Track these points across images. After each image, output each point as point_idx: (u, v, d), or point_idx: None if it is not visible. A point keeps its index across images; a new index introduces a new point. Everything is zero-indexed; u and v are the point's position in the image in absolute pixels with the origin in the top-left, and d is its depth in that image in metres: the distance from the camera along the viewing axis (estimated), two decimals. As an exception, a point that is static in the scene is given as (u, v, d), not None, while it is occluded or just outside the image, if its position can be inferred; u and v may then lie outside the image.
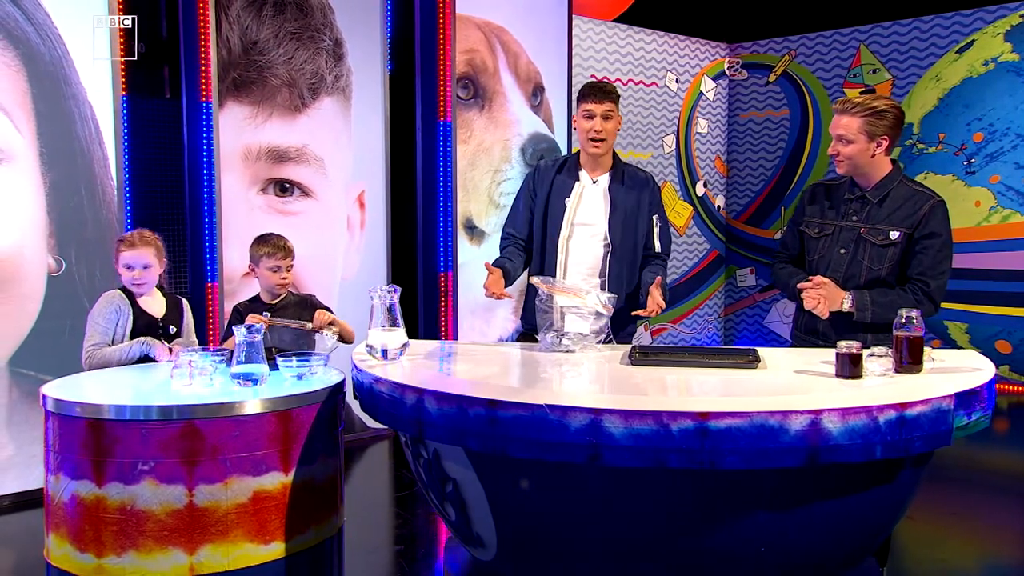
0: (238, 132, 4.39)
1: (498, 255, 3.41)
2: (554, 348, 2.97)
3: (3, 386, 3.79)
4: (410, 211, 5.22)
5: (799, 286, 2.97)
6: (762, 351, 2.83)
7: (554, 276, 3.24)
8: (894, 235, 2.91)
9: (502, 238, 3.46)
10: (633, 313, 3.21)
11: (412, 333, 3.77)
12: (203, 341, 4.10)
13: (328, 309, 3.59)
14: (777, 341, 6.90)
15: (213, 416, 2.78)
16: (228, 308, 4.05)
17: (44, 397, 2.89)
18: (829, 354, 2.54)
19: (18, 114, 3.76)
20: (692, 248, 7.13)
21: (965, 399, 2.36)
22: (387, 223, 4.99)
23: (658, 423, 2.17)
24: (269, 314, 3.43)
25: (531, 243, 3.38)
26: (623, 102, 6.45)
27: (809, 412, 2.17)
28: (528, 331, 3.35)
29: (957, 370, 2.56)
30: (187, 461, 2.75)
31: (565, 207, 3.29)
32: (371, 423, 4.59)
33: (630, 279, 3.31)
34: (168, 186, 4.46)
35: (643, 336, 6.64)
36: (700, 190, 7.16)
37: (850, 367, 2.44)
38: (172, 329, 3.44)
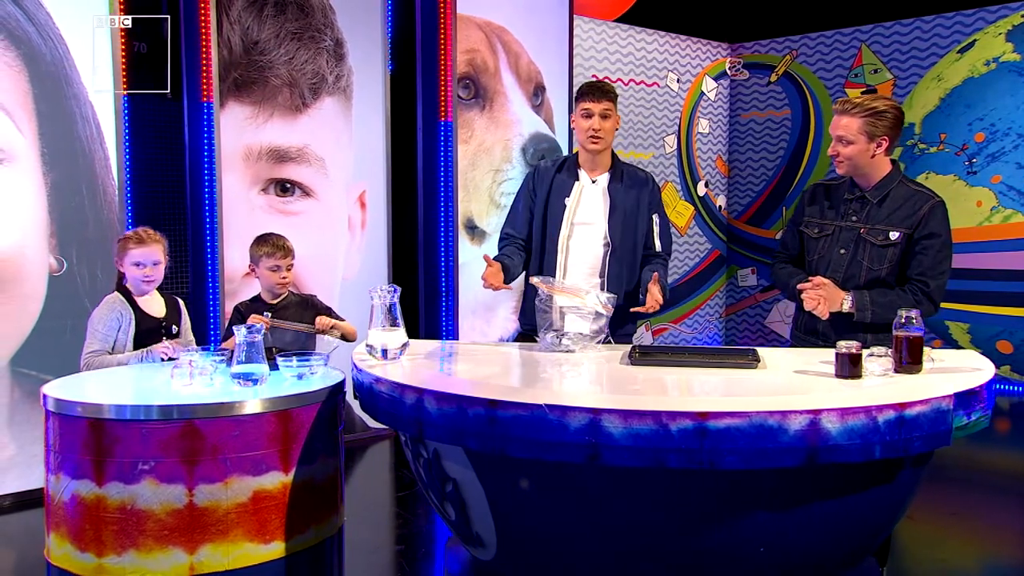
0: (239, 132, 4.39)
1: (497, 254, 3.41)
2: (554, 348, 2.97)
3: (5, 386, 3.80)
4: (411, 211, 5.22)
5: (799, 287, 2.97)
6: (762, 351, 2.83)
7: (554, 275, 3.24)
8: (894, 235, 2.91)
9: (501, 238, 3.46)
10: (632, 310, 3.21)
11: (413, 333, 3.78)
12: (204, 341, 4.11)
13: (330, 309, 3.60)
14: (778, 341, 6.90)
15: (213, 416, 2.78)
16: (229, 308, 4.06)
17: (45, 397, 2.89)
18: (829, 354, 2.54)
19: (19, 114, 3.77)
20: (693, 248, 7.13)
21: (964, 399, 2.36)
22: (388, 223, 4.99)
23: (657, 423, 2.17)
24: (270, 315, 3.44)
25: (530, 243, 3.38)
26: (624, 102, 6.46)
27: (808, 412, 2.17)
28: (528, 331, 3.35)
29: (957, 370, 2.55)
30: (187, 461, 2.75)
31: (565, 206, 3.29)
32: (372, 423, 4.59)
33: (630, 279, 3.31)
34: (169, 186, 4.47)
35: (644, 336, 6.64)
36: (701, 190, 7.16)
37: (850, 367, 2.44)
38: (174, 329, 3.45)
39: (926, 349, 2.56)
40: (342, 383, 3.14)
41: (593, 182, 3.33)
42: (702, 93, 7.10)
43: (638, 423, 2.18)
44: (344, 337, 3.54)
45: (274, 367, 3.09)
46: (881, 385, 2.39)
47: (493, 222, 5.31)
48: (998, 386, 2.79)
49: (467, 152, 5.21)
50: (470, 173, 5.24)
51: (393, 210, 5.02)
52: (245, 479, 2.82)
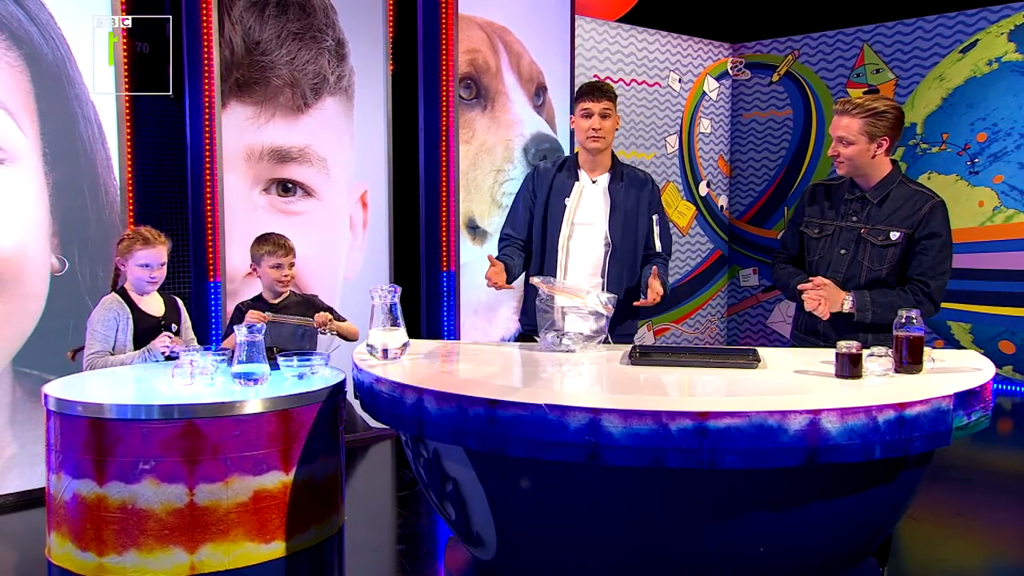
0: (241, 132, 4.40)
1: (497, 255, 3.42)
2: (554, 348, 2.97)
3: (6, 385, 3.81)
4: (412, 211, 5.22)
5: (799, 287, 2.97)
6: (762, 351, 2.83)
7: (555, 276, 3.25)
8: (894, 235, 2.91)
9: (500, 238, 3.46)
10: (635, 304, 3.21)
11: (414, 333, 3.78)
12: (205, 341, 4.11)
13: (331, 309, 3.60)
14: (781, 342, 6.89)
15: (214, 415, 2.79)
16: (230, 308, 4.06)
17: (46, 396, 2.90)
18: (829, 354, 2.54)
19: (21, 114, 3.78)
20: (695, 248, 7.13)
21: (964, 399, 2.36)
22: (389, 223, 5.00)
23: (657, 423, 2.17)
24: (270, 313, 3.44)
25: (530, 243, 3.39)
26: (626, 102, 6.47)
27: (808, 412, 2.17)
28: (528, 331, 3.35)
29: (957, 370, 2.55)
30: (188, 460, 2.76)
31: (565, 207, 3.29)
32: (373, 423, 4.59)
33: (630, 279, 3.31)
34: (171, 186, 4.47)
35: (646, 336, 6.64)
36: (703, 190, 7.16)
37: (850, 367, 2.44)
38: (173, 327, 3.45)
39: (926, 349, 2.56)
40: (343, 383, 3.14)
41: (593, 182, 3.33)
42: (704, 93, 7.10)
43: (638, 423, 2.18)
44: (345, 337, 3.54)
45: (275, 367, 3.10)
46: (881, 385, 2.39)
47: (495, 222, 5.31)
48: (1000, 386, 2.79)
49: (468, 152, 5.21)
50: (471, 173, 5.24)
51: (395, 210, 5.02)
52: (246, 479, 2.83)
